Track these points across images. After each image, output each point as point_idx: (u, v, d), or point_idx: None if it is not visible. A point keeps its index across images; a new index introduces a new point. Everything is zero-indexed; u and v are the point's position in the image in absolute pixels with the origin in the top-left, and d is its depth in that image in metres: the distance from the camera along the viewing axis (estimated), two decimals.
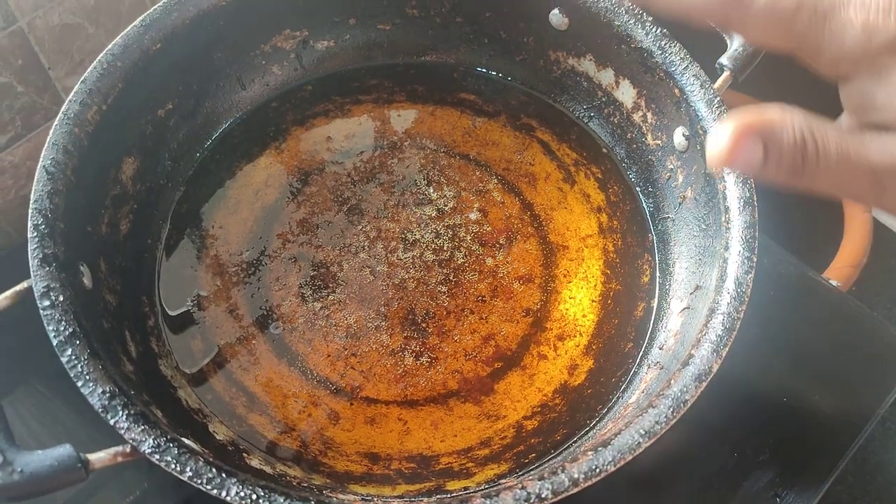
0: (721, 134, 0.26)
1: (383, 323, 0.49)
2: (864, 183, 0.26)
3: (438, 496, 0.44)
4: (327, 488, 0.43)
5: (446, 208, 0.54)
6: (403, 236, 0.52)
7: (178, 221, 0.52)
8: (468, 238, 0.53)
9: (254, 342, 0.49)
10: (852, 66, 0.26)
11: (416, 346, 0.49)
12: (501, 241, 0.53)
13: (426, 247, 0.52)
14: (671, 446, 0.55)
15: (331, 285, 0.50)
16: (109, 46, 0.47)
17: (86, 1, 0.58)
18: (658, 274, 0.51)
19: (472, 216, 0.54)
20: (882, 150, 0.26)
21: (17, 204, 0.64)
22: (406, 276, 0.51)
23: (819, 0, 0.26)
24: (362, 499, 0.42)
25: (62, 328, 0.38)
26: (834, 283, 0.66)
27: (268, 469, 0.44)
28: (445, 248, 0.52)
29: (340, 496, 0.42)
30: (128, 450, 0.36)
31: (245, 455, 0.44)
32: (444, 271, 0.51)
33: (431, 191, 0.55)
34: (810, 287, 0.64)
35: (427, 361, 0.48)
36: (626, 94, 0.53)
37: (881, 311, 0.79)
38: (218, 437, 0.45)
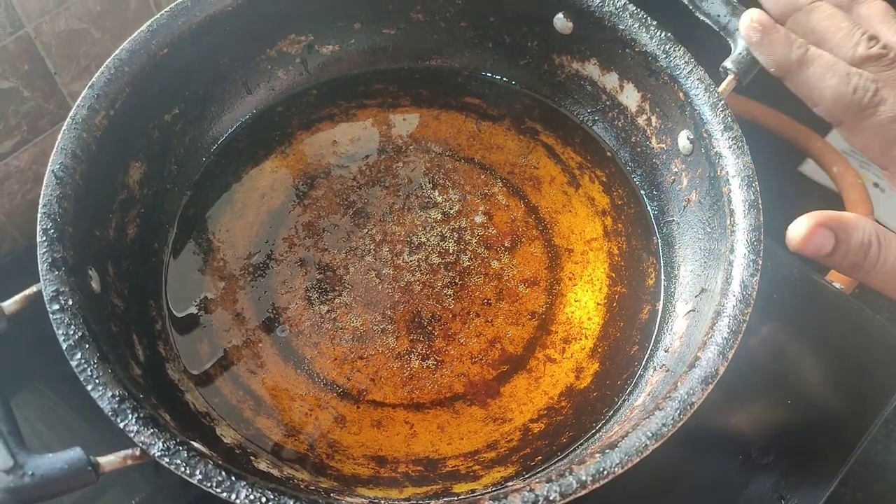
0: (802, 222, 0.31)
1: (389, 326, 0.50)
2: None
3: (446, 499, 0.44)
4: (335, 491, 0.44)
5: (451, 212, 0.54)
6: (409, 239, 0.53)
7: (185, 225, 0.52)
8: (473, 241, 0.53)
9: (260, 345, 0.49)
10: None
11: (422, 349, 0.49)
12: (506, 245, 0.53)
13: (432, 250, 0.52)
14: (676, 449, 0.55)
15: (337, 288, 0.51)
16: (117, 52, 0.47)
17: (92, 6, 0.59)
18: (663, 277, 0.52)
19: (478, 219, 0.54)
20: None
21: (23, 208, 0.64)
22: (412, 280, 0.51)
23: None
24: (370, 501, 0.42)
25: (71, 332, 0.38)
26: (837, 285, 0.66)
27: (275, 472, 0.44)
28: (451, 252, 0.52)
29: (348, 499, 0.42)
30: (137, 453, 0.36)
31: (253, 458, 0.44)
32: (450, 274, 0.52)
33: (436, 194, 0.55)
34: (813, 289, 0.64)
35: (433, 364, 0.49)
36: (630, 97, 0.54)
37: (884, 314, 0.79)
38: (225, 441, 0.45)
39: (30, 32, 0.56)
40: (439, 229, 0.53)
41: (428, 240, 0.53)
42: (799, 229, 0.31)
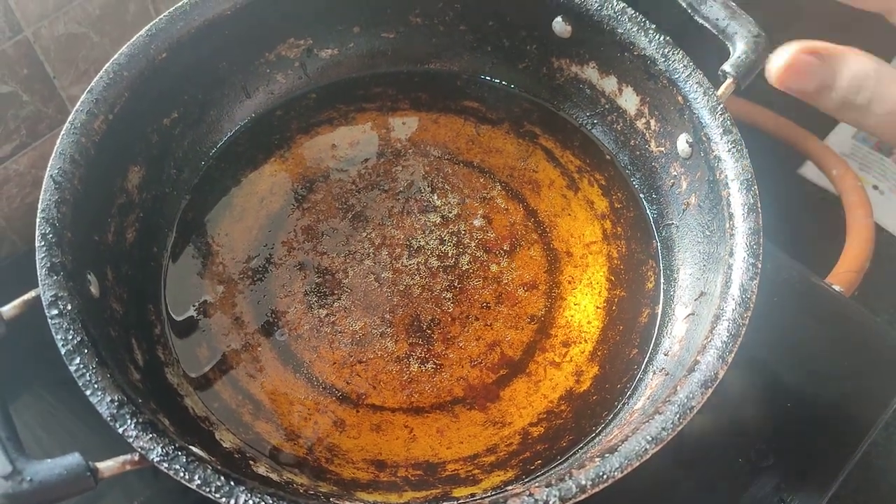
0: (785, 49, 0.27)
1: (388, 330, 0.50)
2: None
3: (445, 503, 0.44)
4: (334, 495, 0.44)
5: (450, 215, 0.54)
6: (408, 243, 0.53)
7: (184, 229, 0.52)
8: (472, 245, 0.53)
9: (259, 350, 0.49)
10: None
11: (421, 353, 0.49)
12: (506, 248, 0.53)
13: (431, 253, 0.52)
14: (676, 452, 0.55)
15: (336, 292, 0.51)
16: (115, 56, 0.47)
17: (91, 10, 0.59)
18: (662, 280, 0.52)
19: (477, 223, 0.54)
20: None
21: (22, 212, 0.64)
22: (411, 283, 0.51)
23: None
24: None
25: (70, 337, 0.38)
26: (837, 288, 0.66)
27: (274, 476, 0.44)
28: (450, 255, 0.52)
29: (348, 503, 0.42)
30: (136, 458, 0.36)
31: (252, 462, 0.44)
32: (449, 278, 0.52)
33: (436, 198, 0.55)
34: (813, 292, 0.64)
35: (432, 368, 0.49)
36: (629, 101, 0.54)
37: (884, 317, 0.79)
38: (224, 445, 0.45)
39: (29, 37, 0.56)
40: (438, 233, 0.53)
41: (427, 243, 0.53)
42: (781, 57, 0.27)
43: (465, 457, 0.46)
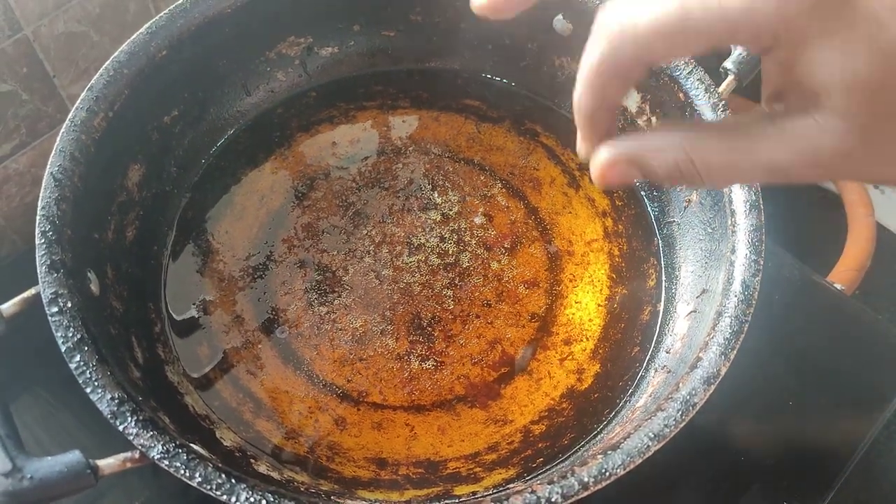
0: (596, 161, 0.26)
1: (389, 327, 0.49)
2: (763, 176, 0.25)
3: (447, 501, 0.43)
4: (335, 494, 0.43)
5: (451, 213, 0.54)
6: (408, 240, 0.53)
7: (184, 227, 0.52)
8: (473, 242, 0.53)
9: (260, 347, 0.49)
10: (772, 37, 0.23)
11: (422, 351, 0.49)
12: (506, 246, 0.53)
13: (431, 251, 0.52)
14: (677, 451, 0.55)
15: (336, 289, 0.51)
16: (116, 54, 0.47)
17: (90, 9, 0.58)
18: (664, 278, 0.52)
19: (477, 220, 0.54)
20: (779, 143, 0.24)
21: (21, 211, 0.64)
22: (411, 280, 0.51)
23: None
24: (371, 503, 0.42)
25: (70, 334, 0.38)
26: (838, 286, 0.66)
27: (275, 475, 0.44)
28: (450, 253, 0.52)
29: (349, 502, 0.42)
30: (136, 456, 0.36)
31: (253, 461, 0.44)
32: (450, 275, 0.51)
33: (436, 195, 0.55)
34: (815, 290, 0.64)
35: (433, 366, 0.48)
36: (630, 98, 0.54)
37: (885, 315, 0.79)
38: (225, 444, 0.45)
39: (28, 35, 0.56)
40: (439, 230, 0.53)
41: (427, 241, 0.53)
42: (594, 171, 0.26)
43: (467, 455, 0.46)
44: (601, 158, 0.26)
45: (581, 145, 0.28)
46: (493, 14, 0.29)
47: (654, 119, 0.52)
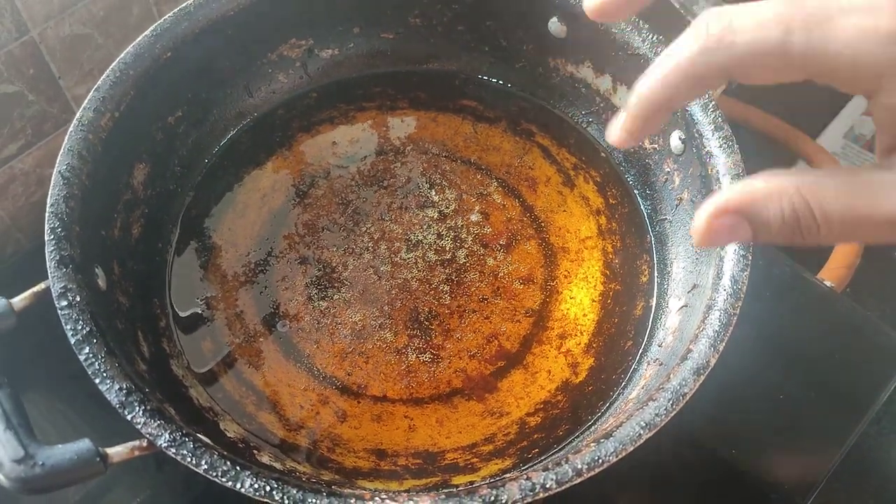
0: (700, 215, 0.24)
1: (387, 321, 0.51)
2: (888, 231, 0.23)
3: (445, 490, 0.45)
4: (336, 483, 0.44)
5: (448, 210, 0.55)
6: (406, 237, 0.54)
7: (188, 225, 0.53)
8: (469, 239, 0.54)
9: (262, 342, 0.50)
10: (875, 80, 0.22)
11: (420, 345, 0.50)
12: (502, 243, 0.54)
13: (429, 247, 0.53)
14: (668, 444, 0.56)
15: (336, 285, 0.52)
16: (122, 55, 0.48)
17: (95, 11, 0.60)
18: (656, 274, 0.53)
19: (474, 218, 0.55)
20: None
21: (26, 211, 0.65)
22: (409, 276, 0.52)
23: (809, 17, 0.22)
24: (371, 492, 0.43)
25: (80, 327, 0.39)
26: (829, 283, 0.67)
27: (278, 465, 0.45)
28: (447, 249, 0.53)
29: (349, 490, 0.43)
30: (144, 444, 0.37)
31: (255, 452, 0.45)
32: (447, 271, 0.53)
33: (433, 194, 0.56)
34: (806, 288, 0.65)
35: (431, 360, 0.50)
36: (623, 99, 0.55)
37: (874, 311, 0.80)
38: (228, 435, 0.46)
39: (35, 37, 0.57)
40: (436, 228, 0.54)
41: (425, 238, 0.54)
42: (698, 225, 0.24)
43: (464, 446, 0.47)
44: (706, 212, 0.24)
45: (619, 132, 0.26)
46: (604, 17, 0.28)
47: None
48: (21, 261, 0.66)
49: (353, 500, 0.36)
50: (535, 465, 0.45)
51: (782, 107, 0.85)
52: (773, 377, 0.61)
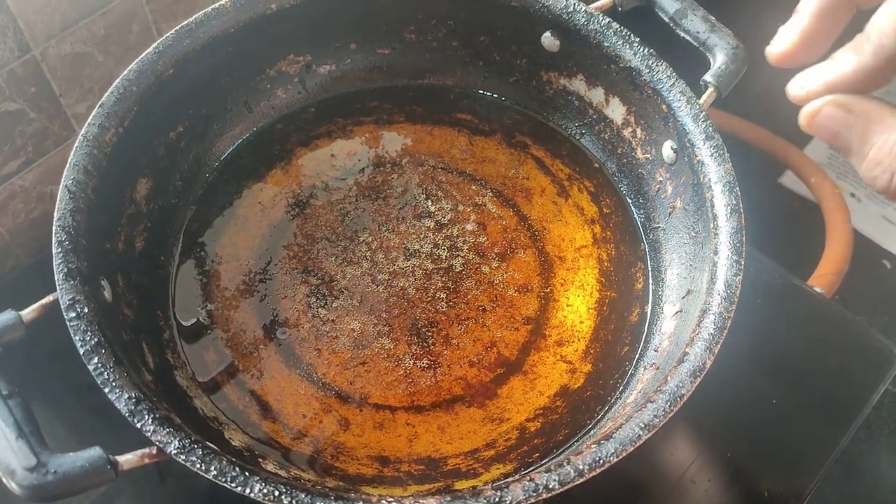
0: (816, 102, 0.24)
1: (387, 329, 0.51)
2: None
3: (449, 494, 0.45)
4: (340, 490, 0.45)
5: (444, 220, 0.56)
6: (404, 247, 0.55)
7: (190, 238, 0.54)
8: (465, 248, 0.55)
9: (264, 352, 0.50)
10: None
11: (419, 353, 0.51)
12: (498, 252, 0.55)
13: (426, 257, 0.54)
14: (662, 447, 0.57)
15: (335, 293, 0.53)
16: (125, 72, 0.49)
17: (96, 30, 0.61)
18: (651, 281, 0.54)
19: (469, 228, 0.56)
20: None
21: (26, 227, 0.66)
22: (407, 285, 0.53)
23: None
24: (378, 497, 0.43)
25: (88, 338, 0.39)
26: (818, 290, 0.69)
27: (283, 473, 0.45)
28: (444, 258, 0.54)
29: (354, 496, 0.43)
30: (154, 451, 0.38)
31: (261, 460, 0.46)
32: (444, 280, 0.53)
33: (430, 204, 0.57)
34: (796, 294, 0.67)
35: (432, 368, 0.50)
36: (615, 111, 0.56)
37: (863, 317, 0.82)
38: (234, 444, 0.46)
39: (37, 56, 0.58)
40: (433, 237, 0.55)
41: (422, 247, 0.55)
42: (812, 104, 0.23)
43: (466, 452, 0.48)
44: (825, 99, 0.24)
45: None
46: (788, 64, 0.28)
47: (638, 130, 0.55)
48: (20, 276, 0.66)
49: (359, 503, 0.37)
50: (536, 468, 0.46)
51: (770, 119, 0.87)
52: (763, 382, 0.62)
